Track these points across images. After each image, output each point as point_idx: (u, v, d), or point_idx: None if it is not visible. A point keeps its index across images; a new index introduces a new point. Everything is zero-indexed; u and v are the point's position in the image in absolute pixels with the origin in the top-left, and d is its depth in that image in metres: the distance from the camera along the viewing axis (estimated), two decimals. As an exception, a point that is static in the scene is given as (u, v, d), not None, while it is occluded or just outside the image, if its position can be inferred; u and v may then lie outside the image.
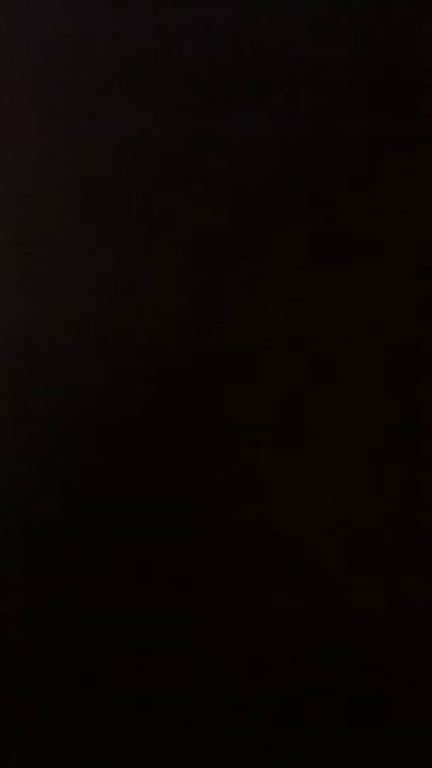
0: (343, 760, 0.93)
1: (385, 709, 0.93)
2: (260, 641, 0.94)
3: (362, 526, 0.93)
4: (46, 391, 0.97)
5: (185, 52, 0.96)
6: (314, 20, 0.95)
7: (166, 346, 0.96)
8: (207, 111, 0.96)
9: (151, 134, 0.97)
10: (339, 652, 0.93)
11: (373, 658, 0.93)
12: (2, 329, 0.98)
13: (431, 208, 0.93)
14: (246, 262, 0.95)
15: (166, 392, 0.95)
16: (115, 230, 0.97)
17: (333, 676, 0.93)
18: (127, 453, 0.96)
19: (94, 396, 0.96)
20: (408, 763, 0.93)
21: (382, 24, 0.94)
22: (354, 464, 0.93)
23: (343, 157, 0.94)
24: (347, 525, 0.93)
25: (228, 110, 0.95)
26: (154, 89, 0.96)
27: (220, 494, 0.94)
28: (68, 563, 0.96)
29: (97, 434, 0.96)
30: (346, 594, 0.93)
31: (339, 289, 0.94)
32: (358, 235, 0.94)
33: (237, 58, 0.95)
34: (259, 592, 0.94)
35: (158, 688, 0.95)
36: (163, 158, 0.96)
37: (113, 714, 0.95)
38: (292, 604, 0.94)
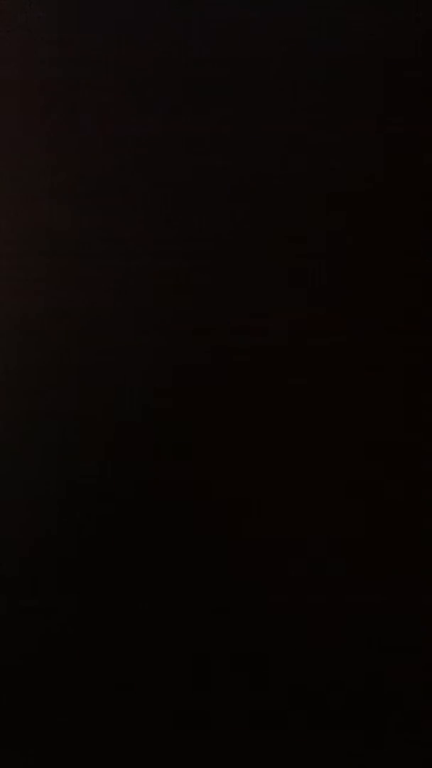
0: (344, 760, 0.93)
1: (385, 708, 0.93)
2: (260, 641, 0.94)
3: (362, 526, 0.93)
4: (46, 391, 0.97)
5: (185, 52, 0.96)
6: (314, 20, 0.95)
7: (166, 346, 0.96)
8: (207, 111, 0.96)
9: (151, 134, 0.97)
10: (339, 652, 0.93)
11: (374, 658, 0.93)
12: (2, 329, 0.98)
13: (431, 208, 0.93)
14: (246, 263, 0.95)
15: (166, 392, 0.95)
16: (115, 230, 0.97)
17: (333, 675, 0.93)
18: (127, 453, 0.96)
19: (94, 396, 0.96)
20: (408, 763, 0.93)
21: (382, 24, 0.94)
22: (355, 464, 0.94)
23: (343, 157, 0.94)
24: (347, 525, 0.93)
25: (228, 110, 0.95)
26: (154, 89, 0.97)
27: (220, 494, 0.94)
28: (68, 564, 0.96)
29: (96, 435, 0.96)
30: (346, 594, 0.93)
31: (339, 289, 0.94)
32: (358, 235, 0.94)
33: (237, 58, 0.95)
34: (259, 592, 0.94)
35: (158, 688, 0.95)
36: (163, 158, 0.96)
37: (113, 714, 0.95)
38: (292, 604, 0.94)
